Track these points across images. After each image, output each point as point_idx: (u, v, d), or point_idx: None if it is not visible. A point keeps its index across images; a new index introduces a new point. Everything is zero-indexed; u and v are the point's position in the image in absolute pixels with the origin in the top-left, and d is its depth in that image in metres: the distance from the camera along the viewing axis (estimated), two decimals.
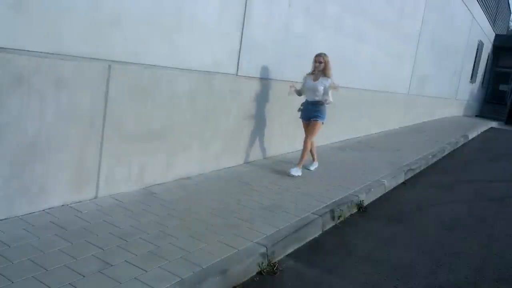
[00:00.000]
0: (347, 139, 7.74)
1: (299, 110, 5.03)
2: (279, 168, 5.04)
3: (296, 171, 4.81)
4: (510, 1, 24.17)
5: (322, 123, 4.94)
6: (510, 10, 24.75)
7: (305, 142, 4.96)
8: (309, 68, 4.95)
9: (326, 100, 4.76)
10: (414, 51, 10.44)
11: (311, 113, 4.91)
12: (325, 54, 4.81)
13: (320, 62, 4.77)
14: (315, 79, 4.81)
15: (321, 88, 4.74)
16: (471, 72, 17.96)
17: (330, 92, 4.74)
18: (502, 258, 3.55)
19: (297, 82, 5.05)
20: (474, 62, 18.02)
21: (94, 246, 2.60)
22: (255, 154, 5.27)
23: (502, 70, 21.94)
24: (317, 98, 4.82)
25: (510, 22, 27.75)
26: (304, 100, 5.05)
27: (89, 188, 3.31)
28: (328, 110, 5.00)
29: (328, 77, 4.76)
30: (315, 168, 5.22)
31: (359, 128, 8.31)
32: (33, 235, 2.65)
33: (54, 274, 2.26)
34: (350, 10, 6.77)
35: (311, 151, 5.10)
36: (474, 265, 3.32)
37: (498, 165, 8.41)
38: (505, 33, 24.62)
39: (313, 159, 5.31)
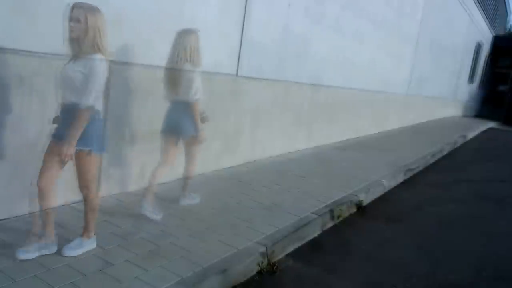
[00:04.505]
0: (347, 139, 7.77)
1: (55, 121, 2.46)
2: (280, 168, 5.06)
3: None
4: (507, 3, 24.28)
5: (90, 151, 2.38)
6: (507, 11, 24.84)
7: (89, 202, 2.51)
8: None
9: (82, 103, 2.25)
10: (413, 52, 10.48)
11: (63, 130, 2.33)
12: (94, 9, 2.29)
13: (78, 21, 2.25)
14: (75, 59, 2.32)
15: (77, 77, 2.27)
16: (469, 72, 18.04)
17: (91, 85, 2.26)
18: (501, 257, 3.58)
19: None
20: (473, 63, 18.12)
21: (95, 246, 2.61)
22: (255, 154, 5.29)
23: (501, 71, 22.03)
24: (72, 99, 2.31)
25: (508, 23, 27.83)
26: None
27: None
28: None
29: (99, 52, 2.30)
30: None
31: (359, 128, 8.34)
32: None
33: (55, 273, 2.28)
34: (350, 10, 6.79)
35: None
36: (472, 264, 3.34)
37: (497, 165, 8.44)
38: (503, 34, 24.71)
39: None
